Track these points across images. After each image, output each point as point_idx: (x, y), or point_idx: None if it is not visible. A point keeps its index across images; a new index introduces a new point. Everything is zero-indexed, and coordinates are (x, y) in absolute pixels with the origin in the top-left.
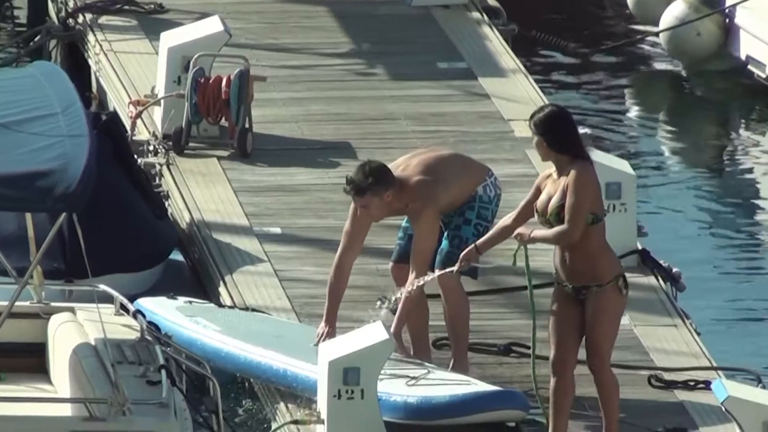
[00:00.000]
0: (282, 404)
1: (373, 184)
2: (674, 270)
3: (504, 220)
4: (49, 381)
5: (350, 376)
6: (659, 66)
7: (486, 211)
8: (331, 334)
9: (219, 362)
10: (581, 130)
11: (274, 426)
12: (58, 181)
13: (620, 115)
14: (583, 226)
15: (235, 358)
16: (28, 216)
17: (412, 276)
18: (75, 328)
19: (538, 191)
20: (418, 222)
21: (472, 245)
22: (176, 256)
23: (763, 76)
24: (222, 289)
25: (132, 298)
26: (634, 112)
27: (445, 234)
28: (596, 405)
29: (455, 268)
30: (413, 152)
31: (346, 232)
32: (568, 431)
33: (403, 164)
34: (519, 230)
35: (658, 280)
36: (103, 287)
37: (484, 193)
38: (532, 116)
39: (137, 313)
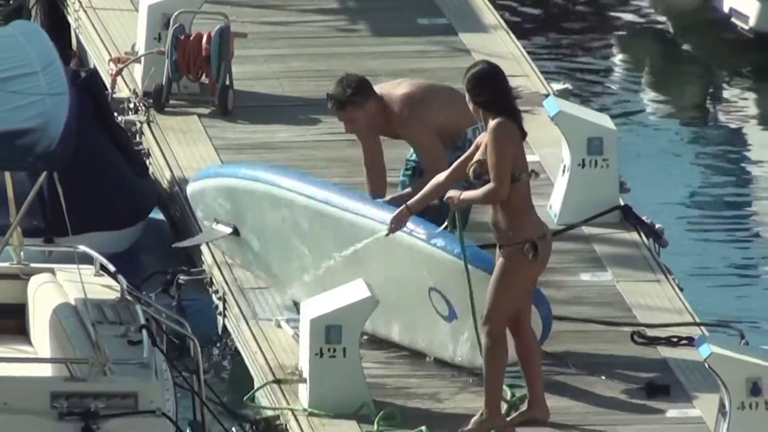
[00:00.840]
0: (264, 363)
1: (354, 95)
2: (657, 226)
3: (438, 177)
4: (29, 342)
5: (332, 334)
6: (643, 20)
7: None
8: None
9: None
10: (560, 86)
11: (256, 385)
12: (38, 139)
13: (603, 69)
14: (507, 183)
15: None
16: (7, 175)
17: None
18: (55, 288)
19: (476, 148)
20: (415, 136)
21: (404, 206)
22: (157, 214)
23: (746, 28)
24: (203, 247)
25: (111, 257)
26: (617, 66)
27: None
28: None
29: (385, 232)
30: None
31: (365, 164)
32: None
33: (389, 85)
34: (449, 193)
35: (640, 235)
36: (83, 248)
37: (473, 136)
38: (464, 73)
39: (117, 274)
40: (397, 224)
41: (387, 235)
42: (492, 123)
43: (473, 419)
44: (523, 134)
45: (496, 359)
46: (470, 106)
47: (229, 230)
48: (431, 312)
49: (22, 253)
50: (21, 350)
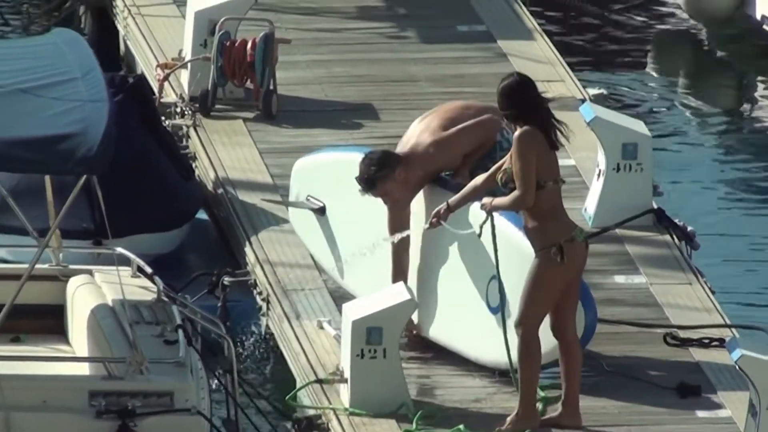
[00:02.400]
0: (306, 363)
1: (379, 170)
2: (689, 229)
3: (476, 180)
4: (67, 342)
5: (373, 335)
6: (679, 26)
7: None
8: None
9: None
10: (596, 91)
11: (298, 385)
12: (78, 144)
13: (639, 75)
14: (533, 190)
15: None
16: (47, 179)
17: None
18: (93, 289)
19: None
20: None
21: (445, 203)
22: (202, 216)
23: None
24: (247, 249)
25: (158, 258)
26: (652, 72)
27: None
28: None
29: (426, 225)
30: (415, 122)
31: (391, 228)
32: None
33: (409, 141)
34: (483, 200)
35: (673, 238)
36: (120, 250)
37: (503, 138)
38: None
39: (154, 275)
40: (437, 219)
41: (428, 228)
42: (516, 133)
43: (508, 419)
44: (553, 145)
45: (529, 361)
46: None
47: (319, 205)
48: (480, 301)
49: (61, 255)
50: (60, 350)
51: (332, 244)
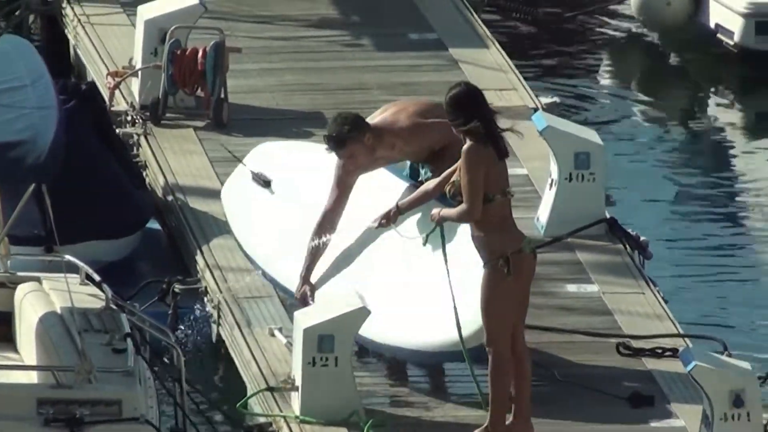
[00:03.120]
0: (257, 371)
1: (351, 130)
2: (642, 239)
3: (427, 184)
4: (15, 350)
5: (325, 343)
6: (631, 34)
7: None
8: (312, 290)
9: None
10: (549, 99)
11: (249, 391)
12: (27, 152)
13: (592, 83)
14: (479, 204)
15: None
16: None
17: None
18: (41, 297)
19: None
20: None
21: (394, 205)
22: (153, 224)
23: (731, 43)
24: (198, 257)
25: (109, 266)
26: (606, 79)
27: None
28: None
29: (374, 224)
30: (385, 106)
31: (336, 188)
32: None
33: (384, 115)
34: (433, 210)
35: (626, 248)
36: (68, 257)
37: None
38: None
39: (102, 283)
40: (386, 220)
41: (375, 228)
42: (464, 147)
43: (479, 430)
44: (501, 154)
45: (501, 377)
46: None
47: (267, 179)
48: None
49: (9, 262)
50: (7, 357)
51: (268, 230)
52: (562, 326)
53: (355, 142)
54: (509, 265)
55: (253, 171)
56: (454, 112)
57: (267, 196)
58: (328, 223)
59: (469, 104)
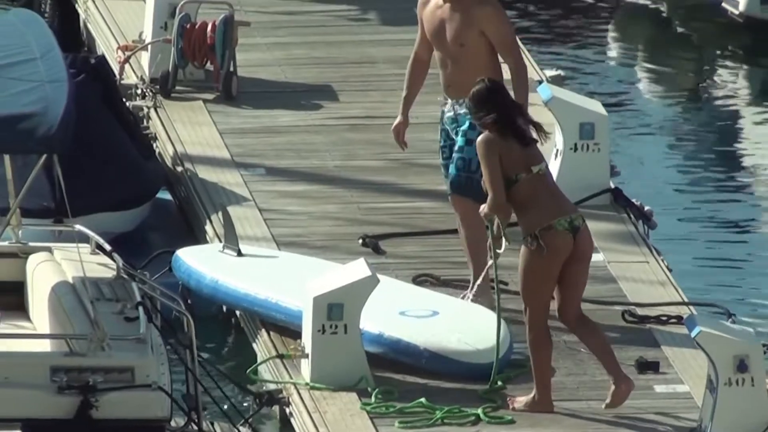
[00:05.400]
0: (267, 339)
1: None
2: (646, 208)
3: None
4: (28, 319)
5: (334, 311)
6: (638, 3)
7: None
8: (404, 124)
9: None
10: (553, 72)
11: (259, 359)
12: (39, 123)
13: (598, 52)
14: (500, 191)
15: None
16: (7, 158)
17: None
18: (53, 266)
19: None
20: (504, 31)
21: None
22: (164, 195)
23: (736, 13)
24: (208, 227)
25: (119, 237)
26: (612, 49)
27: (451, 158)
28: (572, 339)
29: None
30: None
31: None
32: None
33: None
34: (480, 208)
35: (630, 217)
36: (79, 227)
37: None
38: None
39: (113, 252)
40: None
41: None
42: (477, 140)
43: (525, 400)
44: (523, 141)
45: (539, 350)
46: None
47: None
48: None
49: (20, 233)
50: (21, 326)
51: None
52: None
53: None
54: (538, 241)
55: (225, 245)
56: (475, 106)
57: (236, 258)
58: (414, 60)
59: (488, 99)
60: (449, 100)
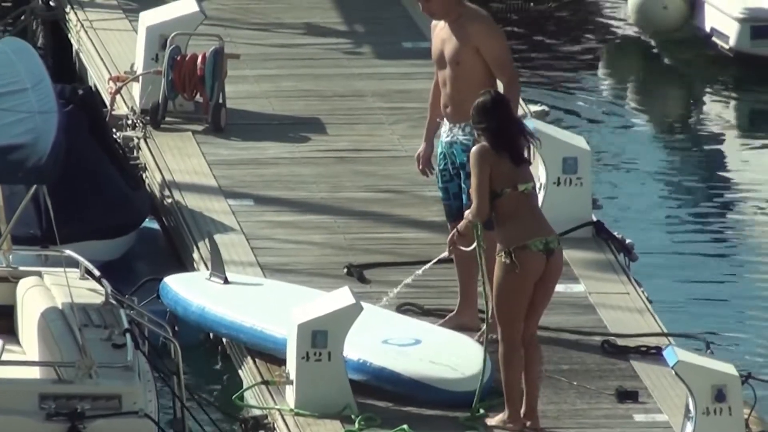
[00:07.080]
0: (253, 365)
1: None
2: (627, 241)
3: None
4: (17, 342)
5: (318, 338)
6: (627, 35)
7: None
8: (425, 150)
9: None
10: (537, 107)
11: (245, 386)
12: (28, 154)
13: (587, 84)
14: (484, 201)
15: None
16: None
17: None
18: (43, 292)
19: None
20: (498, 47)
21: (455, 230)
22: (152, 224)
23: (726, 47)
24: (196, 255)
25: (105, 265)
26: (601, 80)
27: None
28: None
29: (446, 254)
30: None
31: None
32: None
33: None
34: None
35: (611, 250)
36: (69, 252)
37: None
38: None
39: (101, 278)
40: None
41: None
42: (472, 149)
43: (497, 417)
44: (516, 161)
45: (509, 365)
46: None
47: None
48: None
49: (11, 257)
50: (10, 350)
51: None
52: (550, 324)
53: None
54: (512, 258)
55: (212, 272)
56: (477, 115)
57: (222, 286)
58: (432, 96)
59: (491, 111)
60: (448, 123)
